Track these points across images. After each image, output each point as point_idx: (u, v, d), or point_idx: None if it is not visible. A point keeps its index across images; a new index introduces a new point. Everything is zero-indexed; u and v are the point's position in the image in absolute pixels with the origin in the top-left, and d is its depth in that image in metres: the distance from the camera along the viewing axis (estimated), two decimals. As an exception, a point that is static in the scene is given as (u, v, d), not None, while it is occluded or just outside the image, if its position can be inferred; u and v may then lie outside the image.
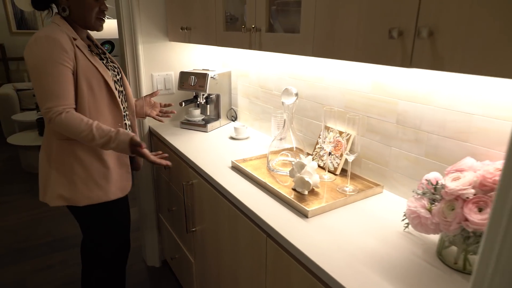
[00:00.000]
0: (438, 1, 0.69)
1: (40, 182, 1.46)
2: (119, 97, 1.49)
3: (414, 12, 0.73)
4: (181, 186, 1.72)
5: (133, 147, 1.34)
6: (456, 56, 0.67)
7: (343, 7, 0.93)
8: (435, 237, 1.00)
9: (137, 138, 1.35)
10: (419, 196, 0.90)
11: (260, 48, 1.28)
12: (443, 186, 0.85)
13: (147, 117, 1.77)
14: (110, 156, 1.45)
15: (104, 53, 1.53)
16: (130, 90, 1.61)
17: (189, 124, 2.04)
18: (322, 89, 1.50)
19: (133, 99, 1.64)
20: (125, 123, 1.53)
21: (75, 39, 1.33)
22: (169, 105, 1.82)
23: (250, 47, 1.33)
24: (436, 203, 0.87)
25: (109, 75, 1.42)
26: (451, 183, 0.83)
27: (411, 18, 0.74)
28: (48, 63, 1.24)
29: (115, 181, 1.47)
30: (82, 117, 1.29)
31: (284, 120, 1.43)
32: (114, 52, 6.21)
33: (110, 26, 5.31)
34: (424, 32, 0.70)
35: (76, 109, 1.32)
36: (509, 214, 0.40)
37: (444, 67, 0.69)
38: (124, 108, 1.55)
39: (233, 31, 1.48)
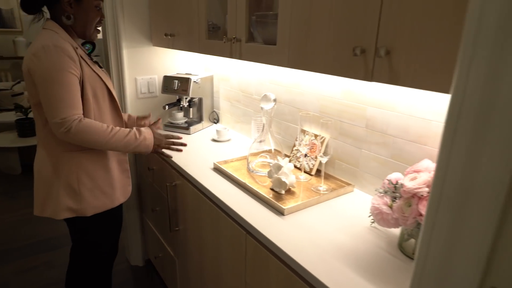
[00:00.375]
0: (393, 25, 0.80)
1: (37, 196, 1.44)
2: None
3: (374, 34, 0.83)
4: (165, 187, 1.79)
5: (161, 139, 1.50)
6: (408, 73, 0.78)
7: (315, 25, 1.02)
8: (397, 231, 1.11)
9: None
10: (382, 194, 1.01)
11: (240, 57, 1.36)
12: (402, 185, 0.95)
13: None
14: (113, 164, 1.48)
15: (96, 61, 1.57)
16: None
17: (172, 127, 2.11)
18: (299, 95, 1.60)
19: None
20: None
21: (76, 48, 1.33)
22: (157, 121, 1.83)
23: (231, 56, 1.41)
24: (396, 201, 0.98)
25: (110, 83, 1.46)
26: (409, 183, 0.94)
27: (371, 39, 0.84)
28: (59, 72, 1.24)
29: (119, 187, 1.51)
30: (99, 122, 1.34)
31: (263, 124, 1.52)
32: (95, 52, 6.12)
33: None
34: (382, 51, 0.80)
35: None
36: (436, 208, 0.50)
37: (399, 82, 0.80)
38: None
39: (215, 39, 1.56)
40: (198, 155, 1.73)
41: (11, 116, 4.38)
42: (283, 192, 1.32)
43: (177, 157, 1.68)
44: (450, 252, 0.49)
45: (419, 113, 1.14)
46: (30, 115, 4.07)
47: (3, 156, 3.83)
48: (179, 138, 1.60)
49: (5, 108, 4.87)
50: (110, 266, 1.71)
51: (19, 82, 4.99)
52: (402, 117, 1.19)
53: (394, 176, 1.03)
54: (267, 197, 1.27)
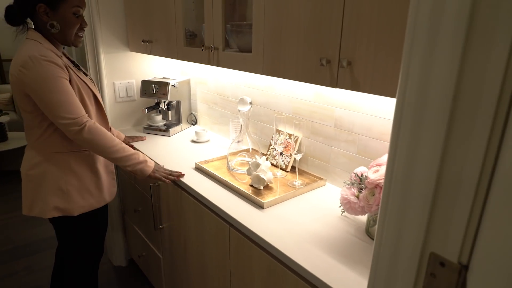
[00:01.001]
0: (353, 40, 0.93)
1: (25, 196, 1.48)
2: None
3: (337, 47, 0.96)
4: (148, 188, 1.86)
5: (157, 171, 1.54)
6: (366, 81, 0.91)
7: (286, 36, 1.14)
8: (364, 218, 1.25)
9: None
10: (349, 186, 1.14)
11: (218, 64, 1.46)
12: (366, 177, 1.09)
13: None
14: (99, 166, 1.55)
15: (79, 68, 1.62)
16: None
17: (152, 129, 2.17)
18: (273, 97, 1.72)
19: None
20: None
21: (60, 56, 1.38)
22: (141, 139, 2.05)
23: (209, 63, 1.51)
24: (362, 191, 1.12)
25: (96, 89, 1.51)
26: (372, 175, 1.08)
27: (335, 51, 0.97)
28: (52, 80, 1.30)
29: (105, 188, 1.58)
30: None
31: (241, 125, 1.63)
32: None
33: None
34: (344, 62, 0.92)
35: None
36: (387, 197, 0.62)
37: (359, 89, 0.93)
38: None
39: (192, 46, 1.65)
40: (179, 156, 1.82)
41: (-22, 122, 4.26)
42: (261, 187, 1.44)
43: (159, 159, 1.76)
44: (399, 228, 0.61)
45: (380, 114, 1.28)
46: (1, 120, 3.98)
47: (-27, 163, 3.74)
48: (181, 175, 1.59)
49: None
50: (96, 267, 1.76)
51: (-15, 87, 4.83)
52: (366, 117, 1.33)
53: (360, 169, 1.17)
54: (247, 192, 1.38)
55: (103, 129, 1.42)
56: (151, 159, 1.77)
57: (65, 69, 1.36)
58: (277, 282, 1.11)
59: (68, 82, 1.36)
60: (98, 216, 1.60)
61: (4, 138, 3.92)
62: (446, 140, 0.50)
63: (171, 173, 1.57)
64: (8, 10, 1.37)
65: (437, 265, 0.57)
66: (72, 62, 1.50)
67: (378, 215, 0.67)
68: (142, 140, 2.04)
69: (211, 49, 1.45)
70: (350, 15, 0.93)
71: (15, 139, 4.00)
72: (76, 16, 1.40)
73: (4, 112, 3.96)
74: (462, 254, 0.53)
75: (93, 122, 1.40)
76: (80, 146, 1.46)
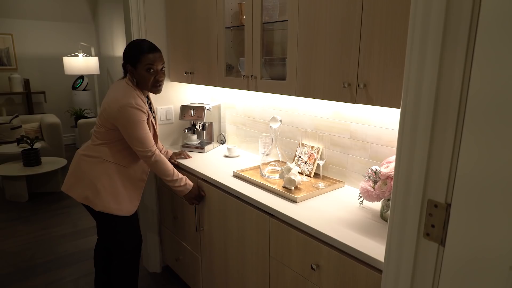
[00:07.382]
0: (367, 68, 1.29)
1: (69, 177, 1.92)
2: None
3: (355, 73, 1.32)
4: (190, 195, 2.17)
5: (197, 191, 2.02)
6: (378, 97, 1.26)
7: (314, 67, 1.51)
8: (378, 207, 1.57)
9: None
10: (367, 179, 1.47)
11: (256, 89, 1.83)
12: (379, 172, 1.42)
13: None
14: (130, 183, 1.96)
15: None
16: None
17: (188, 147, 2.52)
18: (296, 117, 2.07)
19: None
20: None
21: (144, 103, 1.85)
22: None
23: (247, 88, 1.88)
24: (377, 183, 1.45)
25: (157, 126, 2.02)
26: (384, 170, 1.41)
27: (354, 77, 1.33)
28: (140, 123, 1.80)
29: (125, 202, 1.94)
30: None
31: (272, 139, 1.98)
32: (87, 86, 6.51)
33: (88, 63, 5.65)
34: (361, 85, 1.29)
35: None
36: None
37: (373, 103, 1.28)
38: None
39: (230, 76, 2.03)
40: (217, 167, 2.16)
41: (12, 148, 4.63)
42: (292, 188, 1.76)
43: (201, 169, 2.10)
44: (407, 185, 0.94)
45: (387, 125, 1.63)
46: (35, 146, 4.35)
47: (11, 185, 4.07)
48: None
49: (4, 141, 5.11)
50: (132, 272, 2.12)
51: (17, 116, 5.24)
52: (376, 128, 1.68)
53: (374, 167, 1.50)
54: (282, 191, 1.71)
55: (164, 160, 1.90)
56: (194, 171, 2.11)
57: (147, 113, 1.84)
58: (312, 255, 1.42)
59: (146, 124, 1.84)
60: (116, 220, 1.96)
61: (38, 162, 4.27)
62: (432, 133, 0.85)
63: (198, 198, 2.05)
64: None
65: (432, 207, 0.89)
66: (149, 104, 1.95)
67: (393, 180, 1.00)
68: (187, 159, 2.34)
69: (251, 77, 1.83)
70: (364, 52, 1.30)
71: (47, 163, 4.35)
72: (148, 72, 1.83)
73: (40, 138, 4.32)
74: (447, 197, 0.86)
75: (158, 153, 1.86)
76: (124, 163, 1.91)
